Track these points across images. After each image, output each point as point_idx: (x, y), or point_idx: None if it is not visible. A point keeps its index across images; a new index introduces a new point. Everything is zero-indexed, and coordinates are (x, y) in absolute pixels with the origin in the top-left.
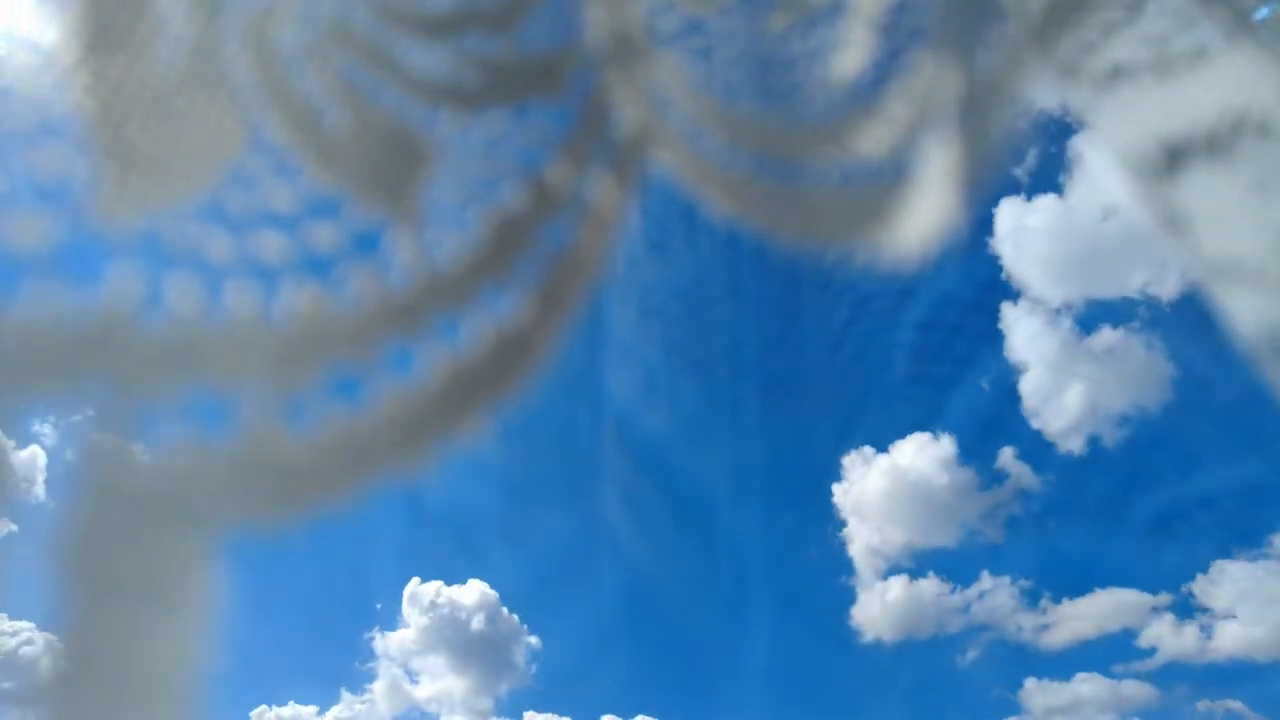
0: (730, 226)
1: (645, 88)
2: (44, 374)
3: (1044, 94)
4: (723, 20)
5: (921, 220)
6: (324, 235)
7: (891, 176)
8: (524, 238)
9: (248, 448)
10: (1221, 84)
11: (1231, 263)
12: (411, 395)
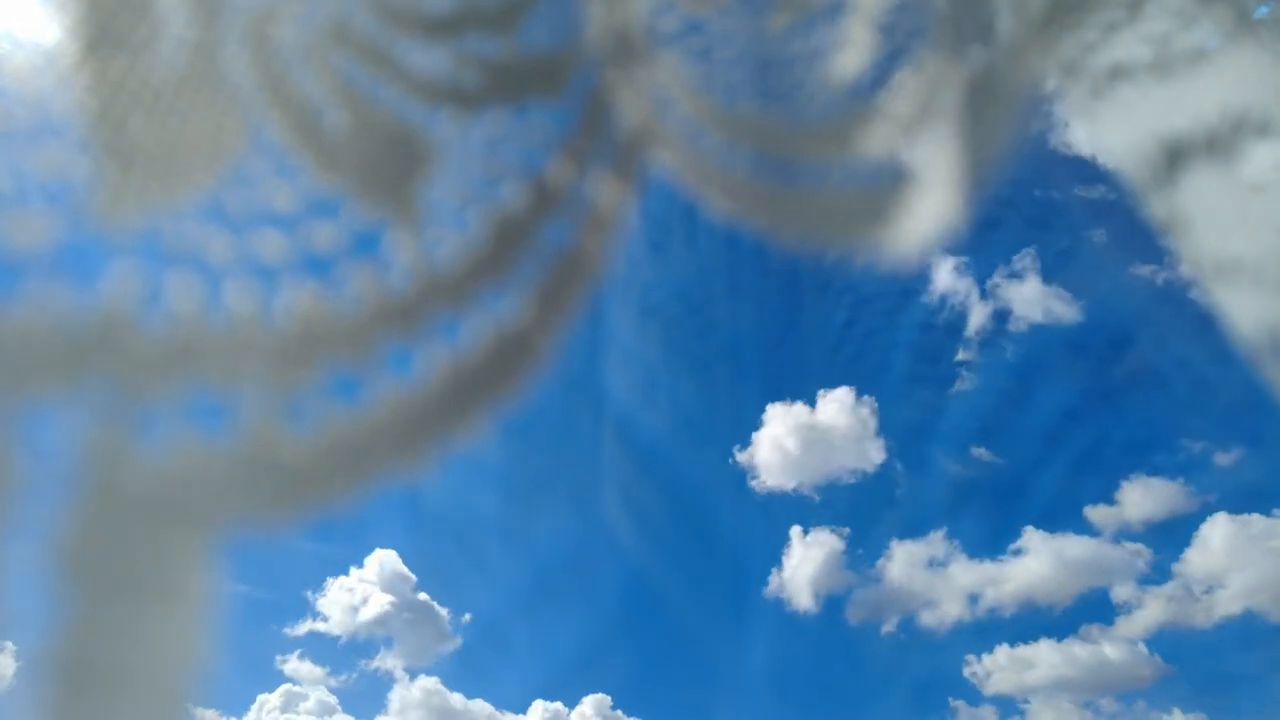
0: (730, 226)
1: (645, 88)
2: (44, 374)
3: (1045, 93)
4: (723, 20)
5: (922, 220)
6: (324, 235)
7: (892, 177)
8: (524, 238)
9: (248, 448)
10: (1221, 84)
11: (1231, 263)
12: (411, 395)
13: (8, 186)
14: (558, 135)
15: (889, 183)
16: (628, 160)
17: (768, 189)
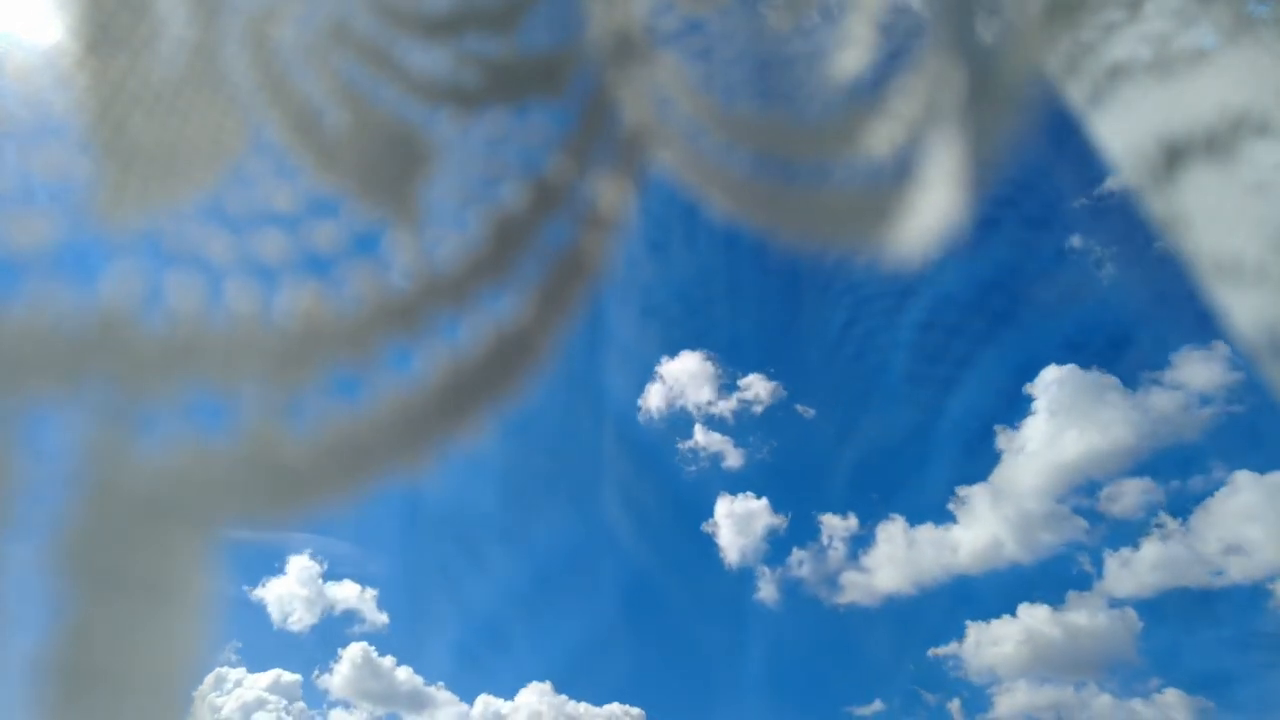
0: (730, 226)
1: (645, 88)
2: (44, 374)
3: (1045, 92)
4: (723, 20)
5: (925, 220)
6: (324, 235)
7: (894, 176)
8: (524, 238)
9: (248, 448)
10: (1221, 84)
11: (1231, 262)
12: (411, 395)
13: (8, 186)
14: (558, 135)
15: (890, 182)
16: (628, 160)
17: (768, 189)
